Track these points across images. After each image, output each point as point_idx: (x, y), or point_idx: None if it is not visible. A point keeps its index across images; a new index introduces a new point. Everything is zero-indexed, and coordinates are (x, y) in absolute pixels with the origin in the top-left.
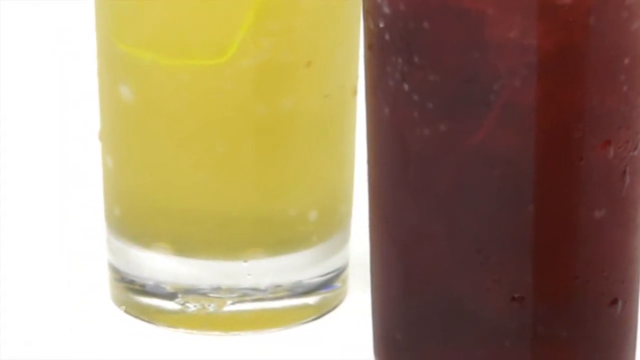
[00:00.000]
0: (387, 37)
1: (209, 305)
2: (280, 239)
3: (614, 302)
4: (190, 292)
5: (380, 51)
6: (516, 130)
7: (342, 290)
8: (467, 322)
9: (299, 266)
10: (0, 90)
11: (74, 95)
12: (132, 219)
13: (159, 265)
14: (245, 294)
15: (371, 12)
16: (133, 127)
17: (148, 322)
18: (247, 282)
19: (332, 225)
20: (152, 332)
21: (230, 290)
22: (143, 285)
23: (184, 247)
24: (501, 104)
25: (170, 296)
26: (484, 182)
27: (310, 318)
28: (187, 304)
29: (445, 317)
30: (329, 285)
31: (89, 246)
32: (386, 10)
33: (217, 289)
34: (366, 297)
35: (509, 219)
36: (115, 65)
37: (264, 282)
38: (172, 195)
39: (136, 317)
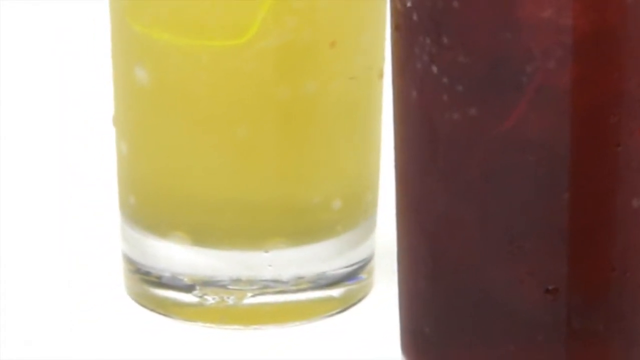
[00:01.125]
0: (414, 17)
1: (228, 298)
2: (303, 228)
3: None
4: (209, 284)
5: (408, 32)
6: (550, 115)
7: (368, 282)
8: (498, 315)
9: (322, 257)
10: (13, 76)
11: (88, 79)
12: (148, 208)
13: (175, 255)
14: (266, 286)
15: None
16: (149, 112)
17: (164, 315)
18: (268, 273)
19: (358, 214)
20: (168, 326)
21: (251, 282)
22: (159, 277)
23: (202, 236)
24: (534, 87)
25: (188, 288)
26: (516, 168)
27: (335, 311)
28: (205, 297)
29: (475, 310)
30: (354, 276)
31: (103, 236)
32: None
33: (237, 281)
34: (393, 289)
35: (543, 207)
36: (130, 47)
37: (286, 273)
38: (189, 183)
39: (152, 310)
